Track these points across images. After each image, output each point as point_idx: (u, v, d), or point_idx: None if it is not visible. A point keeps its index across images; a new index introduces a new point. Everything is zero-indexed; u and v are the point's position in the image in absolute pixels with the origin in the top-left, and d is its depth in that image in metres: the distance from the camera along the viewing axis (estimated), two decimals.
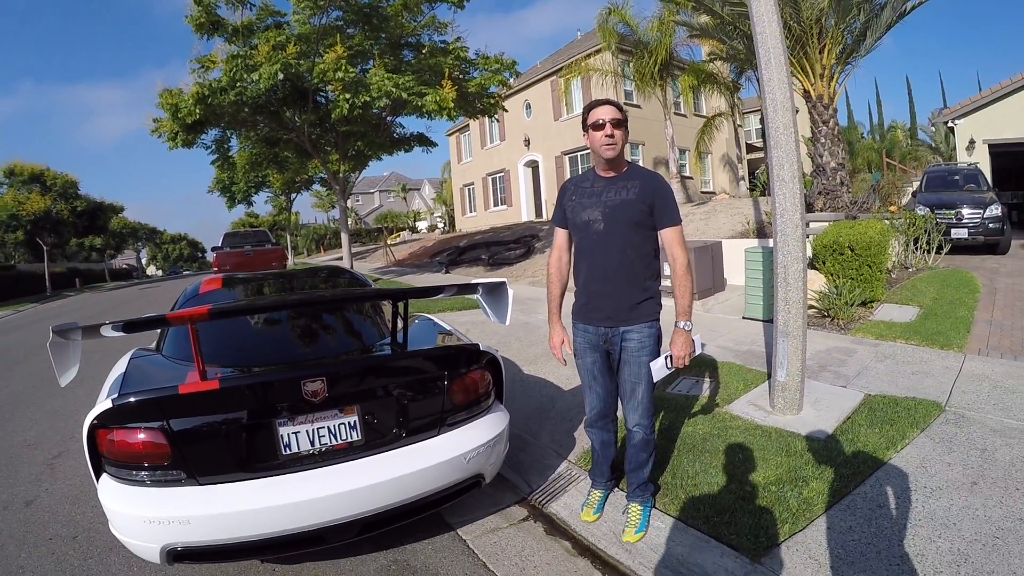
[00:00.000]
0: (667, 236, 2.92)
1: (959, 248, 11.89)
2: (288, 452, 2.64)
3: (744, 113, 24.17)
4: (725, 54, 16.27)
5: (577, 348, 3.12)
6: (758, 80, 14.61)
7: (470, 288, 3.33)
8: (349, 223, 19.73)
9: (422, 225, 52.12)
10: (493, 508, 3.55)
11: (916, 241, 10.49)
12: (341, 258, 21.86)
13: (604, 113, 2.83)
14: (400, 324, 3.27)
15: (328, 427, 2.72)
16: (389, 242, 33.33)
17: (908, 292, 8.22)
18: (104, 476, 2.58)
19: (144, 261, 77.90)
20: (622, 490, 3.46)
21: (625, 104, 22.57)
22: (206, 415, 2.57)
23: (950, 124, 19.68)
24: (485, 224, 30.60)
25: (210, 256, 29.72)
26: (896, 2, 11.41)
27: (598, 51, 20.32)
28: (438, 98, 14.02)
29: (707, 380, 5.30)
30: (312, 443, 2.68)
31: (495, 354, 3.31)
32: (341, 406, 2.75)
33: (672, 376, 5.55)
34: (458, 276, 17.49)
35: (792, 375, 4.39)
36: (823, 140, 11.63)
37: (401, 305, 3.24)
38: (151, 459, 2.49)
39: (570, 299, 3.17)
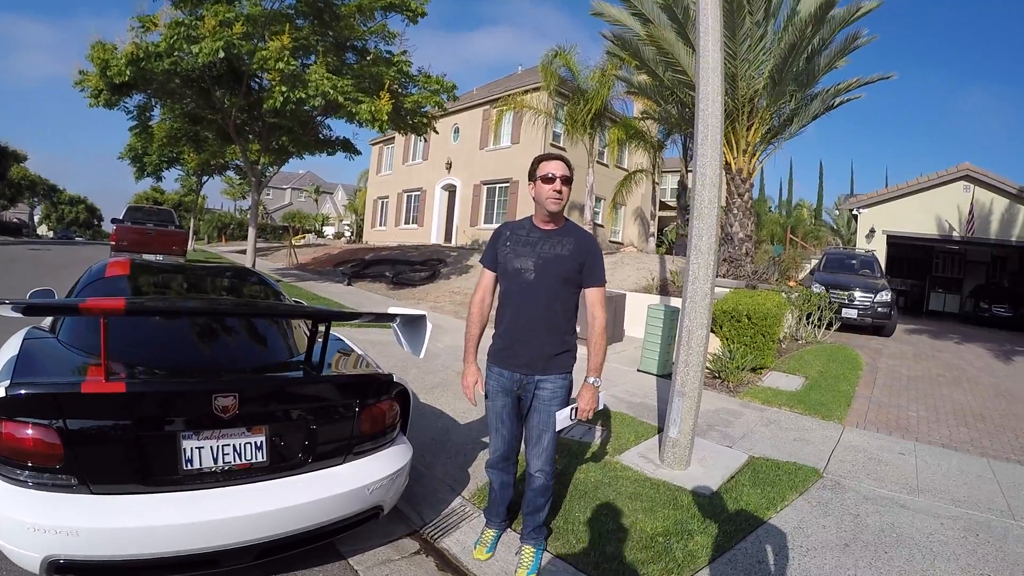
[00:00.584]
0: (592, 295, 3.04)
1: (848, 327, 12.74)
2: (189, 467, 2.52)
3: (663, 172, 25.23)
4: (657, 115, 17.06)
5: (489, 390, 3.16)
6: (684, 148, 15.38)
7: (388, 317, 3.32)
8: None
9: (329, 231, 51.04)
10: (385, 539, 3.51)
11: (809, 316, 11.19)
12: (244, 251, 21.12)
13: (556, 169, 2.94)
14: (318, 346, 3.18)
15: (234, 445, 2.62)
16: (294, 243, 32.43)
17: (796, 363, 8.78)
18: None
19: (36, 219, 71.99)
20: (514, 531, 3.52)
21: (551, 145, 23.36)
22: (107, 419, 2.41)
23: (855, 211, 21.45)
24: (393, 240, 30.41)
25: (108, 227, 27.87)
26: (826, 96, 12.40)
27: (536, 89, 20.84)
28: (373, 108, 13.89)
29: (599, 429, 5.45)
30: (215, 460, 2.58)
31: (406, 386, 3.32)
32: (249, 425, 2.66)
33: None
34: (360, 290, 17.19)
35: (684, 433, 4.61)
36: (736, 211, 12.33)
37: (322, 327, 3.18)
38: (41, 459, 2.31)
39: (487, 340, 3.24)
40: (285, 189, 66.86)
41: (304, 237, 42.99)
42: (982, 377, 9.69)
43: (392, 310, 3.32)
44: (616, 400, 6.51)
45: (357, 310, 3.39)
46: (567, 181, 2.95)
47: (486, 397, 3.20)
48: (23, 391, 2.29)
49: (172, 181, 48.51)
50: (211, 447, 2.57)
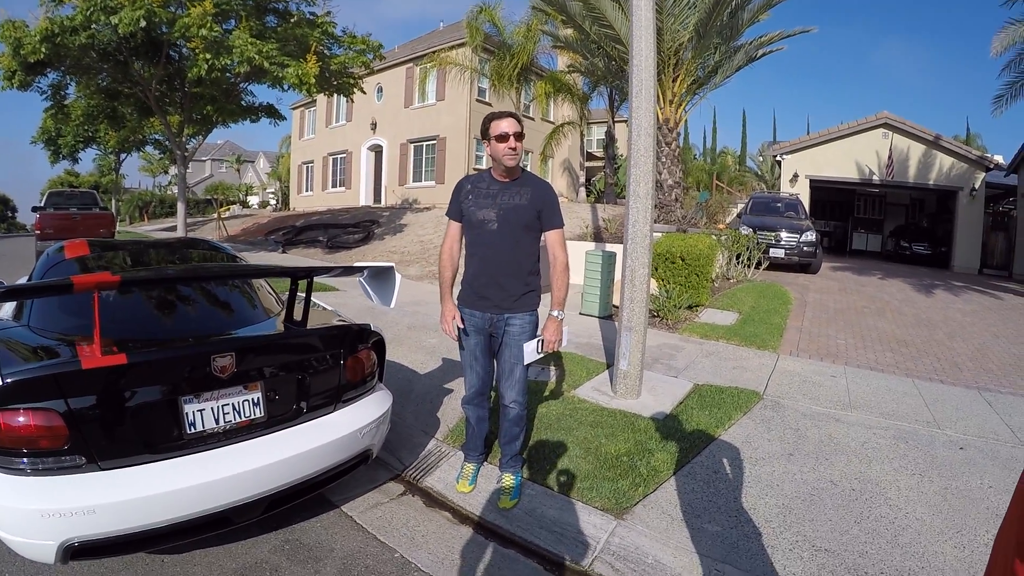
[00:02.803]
0: (551, 238, 3.32)
1: (776, 266, 13.42)
2: (193, 431, 2.61)
3: (589, 124, 25.55)
4: (584, 68, 17.27)
5: (463, 331, 3.40)
6: (611, 99, 15.62)
7: (357, 270, 3.46)
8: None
9: (254, 200, 49.48)
10: (371, 485, 3.74)
11: (739, 256, 11.78)
12: (172, 228, 20.47)
13: (508, 127, 3.15)
14: (299, 303, 3.32)
15: (233, 404, 2.75)
16: (221, 215, 31.45)
17: (729, 300, 9.34)
18: None
19: None
20: (491, 464, 3.82)
21: (476, 101, 23.32)
22: (110, 393, 2.44)
23: (778, 157, 22.36)
24: (322, 204, 29.76)
25: (24, 217, 26.22)
26: (749, 48, 12.88)
27: (461, 45, 20.67)
28: (300, 72, 13.52)
29: (553, 368, 5.79)
30: (217, 421, 2.69)
31: (382, 335, 3.53)
32: (246, 383, 2.79)
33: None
34: (295, 257, 16.97)
35: (634, 364, 5.00)
36: (664, 159, 12.77)
37: (304, 283, 3.28)
38: (46, 444, 2.29)
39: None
40: (205, 161, 63.98)
41: (229, 209, 41.48)
42: (904, 308, 10.51)
43: (359, 263, 3.48)
44: (564, 342, 6.83)
45: (326, 265, 3.52)
46: (519, 136, 3.16)
47: (460, 338, 3.41)
48: (19, 378, 2.27)
49: (89, 162, 45.82)
50: (212, 408, 2.68)
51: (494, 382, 3.54)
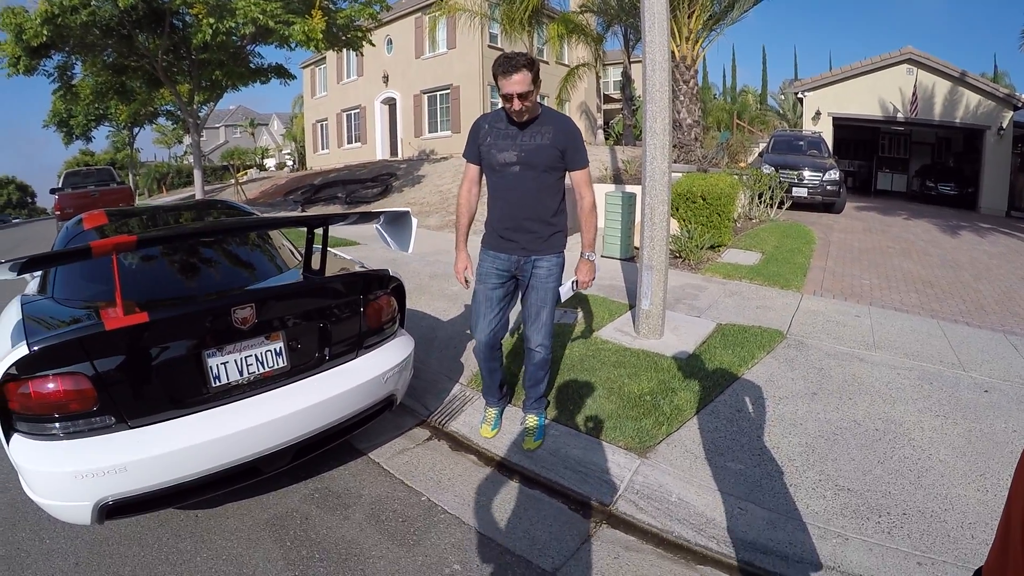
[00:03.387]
0: (577, 177, 3.22)
1: (799, 205, 13.08)
2: (218, 384, 2.65)
3: (605, 65, 24.98)
4: (596, 7, 16.80)
5: (482, 273, 3.31)
6: (625, 39, 15.23)
7: (373, 216, 3.40)
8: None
9: (270, 162, 49.30)
10: (397, 432, 3.80)
11: (760, 196, 11.54)
12: (194, 196, 20.59)
13: (513, 87, 2.91)
14: (316, 253, 3.33)
15: (256, 355, 2.78)
16: (239, 180, 31.48)
17: (752, 240, 9.20)
18: (16, 436, 2.36)
19: None
20: (515, 405, 3.85)
21: (489, 48, 22.85)
22: (134, 352, 2.46)
23: (800, 95, 21.63)
24: (338, 162, 29.49)
25: (44, 201, 26.42)
26: None
27: None
28: (306, 28, 13.33)
29: (576, 311, 5.78)
30: (241, 372, 2.73)
31: (401, 280, 3.51)
32: (267, 333, 2.81)
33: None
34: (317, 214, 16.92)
35: (655, 304, 4.96)
36: (682, 98, 12.48)
37: (320, 231, 3.27)
38: (76, 407, 2.34)
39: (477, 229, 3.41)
40: (218, 128, 63.91)
41: (246, 173, 41.55)
42: (930, 249, 10.29)
43: (377, 208, 3.44)
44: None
45: (343, 212, 3.50)
46: (525, 97, 2.93)
47: (478, 280, 3.34)
48: (45, 345, 2.29)
49: (103, 139, 45.94)
50: (235, 360, 2.72)
51: (513, 328, 3.49)
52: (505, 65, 2.90)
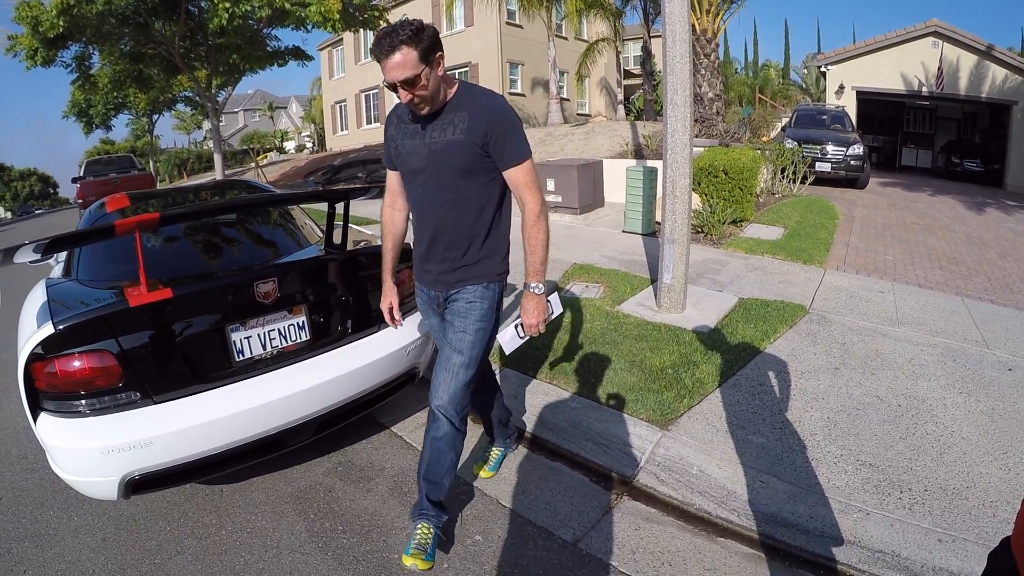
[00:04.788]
0: (513, 177, 2.31)
1: (822, 180, 12.84)
2: (241, 358, 2.68)
3: (625, 40, 24.70)
4: None
5: (421, 308, 2.71)
6: (645, 13, 15.08)
7: None
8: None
9: (290, 145, 49.48)
10: (420, 406, 3.80)
11: (783, 171, 11.35)
12: (214, 179, 20.77)
13: (394, 72, 2.08)
14: (336, 227, 3.31)
15: (279, 329, 2.81)
16: (259, 163, 31.63)
17: (775, 215, 9.08)
18: (43, 415, 2.40)
19: None
20: (543, 378, 3.78)
21: (507, 24, 22.65)
22: (158, 328, 2.49)
23: (823, 68, 21.23)
24: (358, 142, 29.44)
25: (66, 191, 26.69)
26: None
27: None
28: (323, 9, 13.40)
29: (597, 285, 5.77)
30: (264, 347, 2.76)
31: None
32: (290, 307, 2.84)
33: (563, 281, 5.97)
34: None
35: (677, 278, 4.93)
36: (703, 72, 12.32)
37: (341, 207, 3.24)
38: (102, 384, 2.37)
39: None
40: (237, 112, 64.15)
41: (266, 156, 41.80)
42: (955, 225, 10.07)
43: None
44: (608, 259, 6.83)
45: (363, 186, 3.48)
46: (414, 84, 2.10)
47: (423, 315, 2.75)
48: (71, 323, 2.32)
49: (123, 127, 46.37)
50: (258, 335, 2.75)
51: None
52: (380, 45, 2.07)
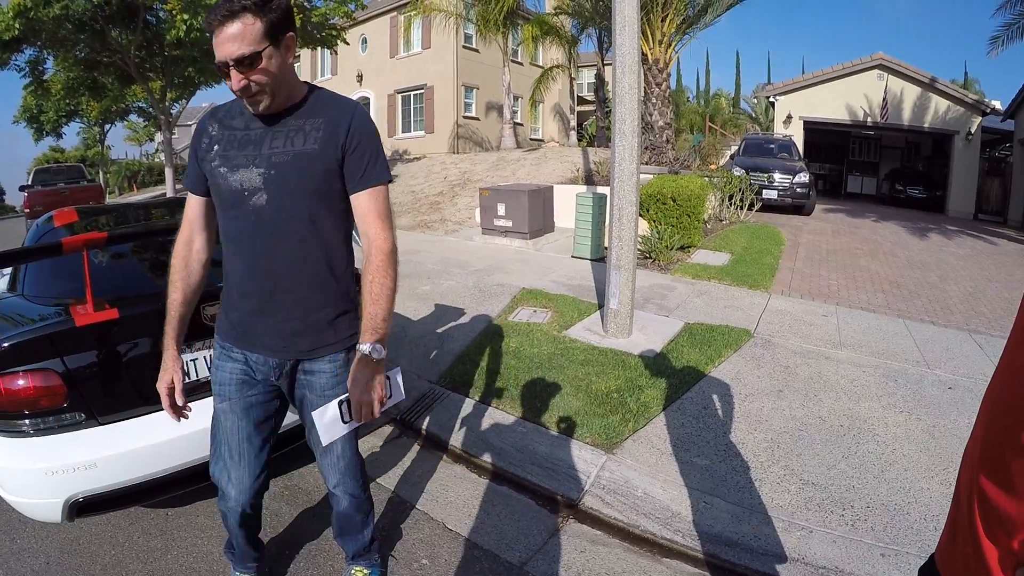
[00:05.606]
0: (364, 203, 1.84)
1: (769, 207, 13.24)
2: (188, 380, 2.54)
3: (579, 67, 25.16)
4: (571, 9, 17.00)
5: (220, 383, 2.02)
6: (599, 42, 15.37)
7: None
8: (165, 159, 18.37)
9: None
10: (366, 430, 3.81)
11: (731, 198, 11.64)
12: (165, 195, 20.36)
13: (228, 46, 1.61)
14: None
15: None
16: None
17: (722, 241, 9.34)
18: None
19: None
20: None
21: (464, 48, 22.96)
22: (104, 348, 2.46)
23: (772, 99, 21.99)
24: None
25: (12, 199, 25.93)
26: None
27: None
28: None
29: (545, 310, 5.83)
30: (209, 369, 2.69)
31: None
32: None
33: (511, 306, 5.97)
34: None
35: (623, 303, 5.04)
36: (654, 100, 12.66)
37: None
38: (46, 404, 2.33)
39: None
40: (190, 125, 62.53)
41: None
42: (897, 251, 10.50)
43: None
44: (556, 284, 6.92)
45: None
46: (253, 63, 1.63)
47: (217, 398, 2.05)
48: (15, 341, 2.28)
49: (73, 136, 45.10)
50: (204, 357, 2.72)
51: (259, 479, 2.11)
52: (215, 11, 1.61)
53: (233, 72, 1.62)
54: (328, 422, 1.82)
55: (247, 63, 1.62)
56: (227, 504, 2.10)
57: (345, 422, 1.84)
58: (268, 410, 2.07)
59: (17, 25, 12.08)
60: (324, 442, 1.87)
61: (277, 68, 1.69)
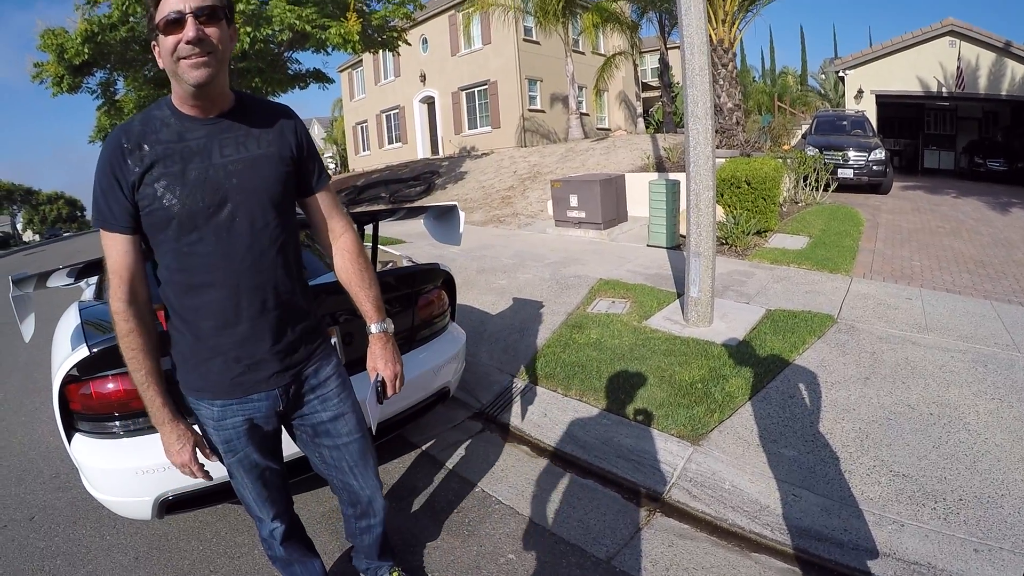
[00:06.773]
0: (327, 200, 1.88)
1: (845, 187, 12.70)
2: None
3: (642, 53, 24.79)
4: None
5: (227, 440, 1.82)
6: (661, 25, 15.14)
7: (420, 211, 3.43)
8: None
9: None
10: (450, 424, 3.86)
11: (806, 179, 11.27)
12: None
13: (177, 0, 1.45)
14: (368, 245, 3.33)
15: None
16: None
17: (799, 224, 9.01)
18: (78, 436, 2.40)
19: (20, 226, 69.39)
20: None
21: (524, 41, 23.00)
22: None
23: (841, 73, 21.13)
24: (380, 163, 29.86)
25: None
26: None
27: None
28: (343, 31, 13.51)
29: (624, 300, 5.75)
30: None
31: (451, 273, 3.50)
32: None
33: (589, 298, 5.91)
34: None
35: (704, 291, 4.90)
36: (722, 82, 12.33)
37: (370, 228, 3.27)
38: (136, 405, 2.27)
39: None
40: None
41: None
42: (980, 228, 9.90)
43: (422, 203, 3.43)
44: (633, 274, 6.82)
45: (392, 208, 3.51)
46: (210, 17, 1.48)
47: (228, 454, 1.85)
48: (105, 347, 2.30)
49: None
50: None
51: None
52: None
53: (189, 21, 1.44)
54: (374, 404, 1.89)
55: (207, 14, 1.47)
56: (272, 538, 2.03)
57: (379, 404, 1.91)
58: (278, 438, 1.95)
59: (86, 50, 12.65)
60: (372, 424, 1.94)
61: (226, 44, 1.56)
